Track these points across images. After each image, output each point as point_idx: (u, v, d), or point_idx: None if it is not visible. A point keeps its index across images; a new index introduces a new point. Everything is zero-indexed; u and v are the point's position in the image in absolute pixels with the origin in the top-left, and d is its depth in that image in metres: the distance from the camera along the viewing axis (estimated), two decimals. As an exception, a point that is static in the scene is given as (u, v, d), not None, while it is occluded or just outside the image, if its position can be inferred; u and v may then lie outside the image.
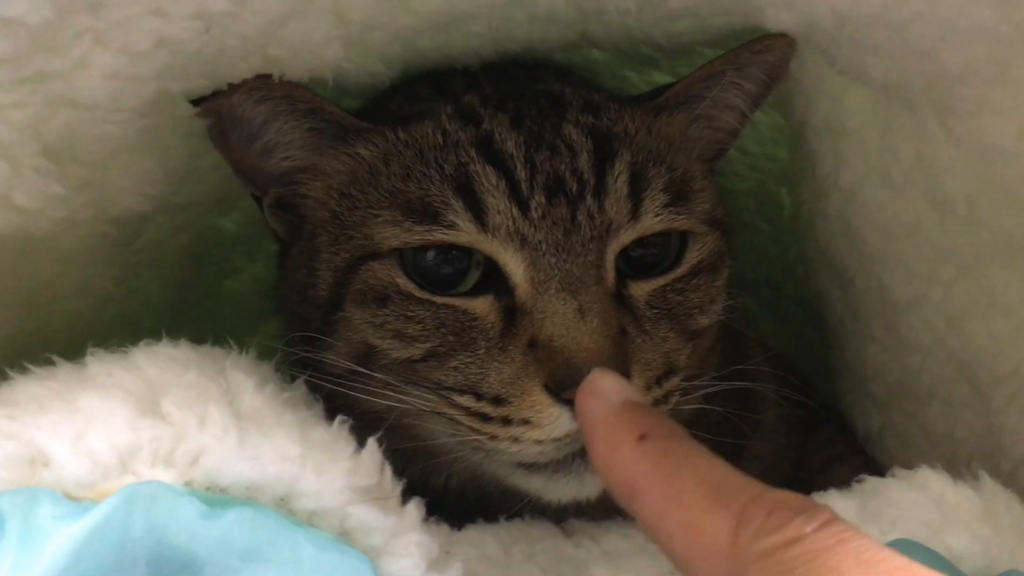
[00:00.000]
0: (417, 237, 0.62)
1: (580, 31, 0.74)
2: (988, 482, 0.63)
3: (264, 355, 0.59)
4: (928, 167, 0.71)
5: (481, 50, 0.73)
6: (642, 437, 0.45)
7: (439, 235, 0.62)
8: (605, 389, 0.50)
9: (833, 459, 0.88)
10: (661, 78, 0.83)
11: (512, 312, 0.62)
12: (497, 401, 0.60)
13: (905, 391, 0.82)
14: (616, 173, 0.64)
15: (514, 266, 0.62)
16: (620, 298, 0.63)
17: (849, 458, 0.87)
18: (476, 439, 0.61)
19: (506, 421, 0.60)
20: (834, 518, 0.39)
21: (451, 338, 0.62)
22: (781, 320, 1.04)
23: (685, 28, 0.73)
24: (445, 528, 0.59)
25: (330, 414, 0.56)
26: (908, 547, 0.55)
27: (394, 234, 0.63)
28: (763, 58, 0.71)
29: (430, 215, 0.62)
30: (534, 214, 0.62)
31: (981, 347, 0.74)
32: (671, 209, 0.65)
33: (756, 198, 0.96)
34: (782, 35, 0.70)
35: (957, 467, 0.64)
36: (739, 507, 0.39)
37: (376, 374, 0.64)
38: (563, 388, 0.58)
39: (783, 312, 1.04)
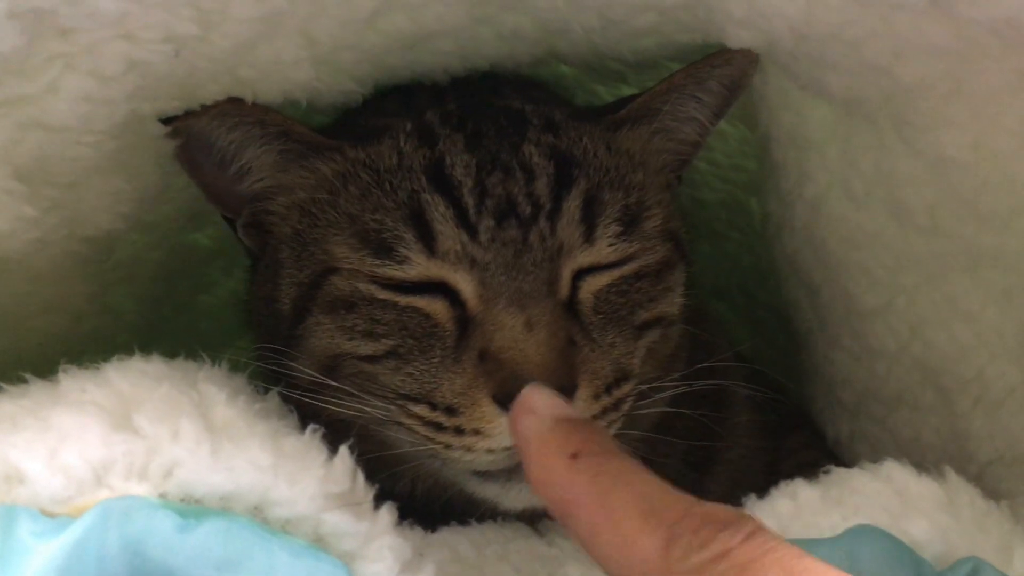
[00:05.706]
0: (368, 269, 0.64)
1: (547, 48, 0.75)
2: (952, 476, 0.64)
3: (237, 368, 0.60)
4: (888, 179, 0.72)
5: (450, 67, 0.74)
6: (575, 455, 0.45)
7: (389, 271, 0.64)
8: (538, 406, 0.50)
9: (804, 466, 0.87)
10: (630, 92, 0.84)
11: (465, 323, 0.63)
12: (450, 411, 0.62)
13: (873, 397, 0.83)
14: (571, 198, 0.65)
15: (463, 284, 0.63)
16: (569, 307, 0.65)
17: (821, 465, 0.87)
18: (432, 448, 0.63)
19: (459, 431, 0.61)
20: (759, 529, 0.39)
21: (411, 341, 0.64)
22: (754, 327, 1.05)
23: (650, 45, 0.74)
24: (419, 531, 0.60)
25: (301, 424, 0.57)
26: (867, 532, 0.56)
27: (349, 258, 0.65)
28: (723, 71, 0.72)
29: (384, 249, 0.64)
30: (483, 237, 0.63)
31: (945, 353, 0.76)
32: (624, 238, 0.67)
33: (727, 208, 0.97)
34: (743, 49, 0.71)
35: (926, 470, 0.64)
36: (669, 524, 0.40)
37: (338, 384, 0.65)
38: (510, 399, 0.57)
39: (756, 320, 1.05)
